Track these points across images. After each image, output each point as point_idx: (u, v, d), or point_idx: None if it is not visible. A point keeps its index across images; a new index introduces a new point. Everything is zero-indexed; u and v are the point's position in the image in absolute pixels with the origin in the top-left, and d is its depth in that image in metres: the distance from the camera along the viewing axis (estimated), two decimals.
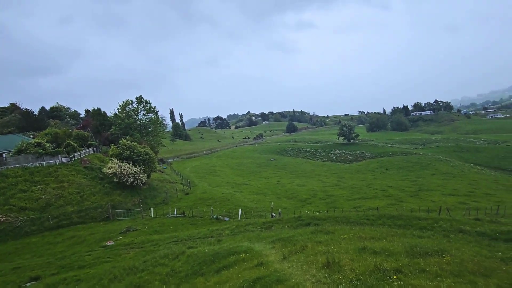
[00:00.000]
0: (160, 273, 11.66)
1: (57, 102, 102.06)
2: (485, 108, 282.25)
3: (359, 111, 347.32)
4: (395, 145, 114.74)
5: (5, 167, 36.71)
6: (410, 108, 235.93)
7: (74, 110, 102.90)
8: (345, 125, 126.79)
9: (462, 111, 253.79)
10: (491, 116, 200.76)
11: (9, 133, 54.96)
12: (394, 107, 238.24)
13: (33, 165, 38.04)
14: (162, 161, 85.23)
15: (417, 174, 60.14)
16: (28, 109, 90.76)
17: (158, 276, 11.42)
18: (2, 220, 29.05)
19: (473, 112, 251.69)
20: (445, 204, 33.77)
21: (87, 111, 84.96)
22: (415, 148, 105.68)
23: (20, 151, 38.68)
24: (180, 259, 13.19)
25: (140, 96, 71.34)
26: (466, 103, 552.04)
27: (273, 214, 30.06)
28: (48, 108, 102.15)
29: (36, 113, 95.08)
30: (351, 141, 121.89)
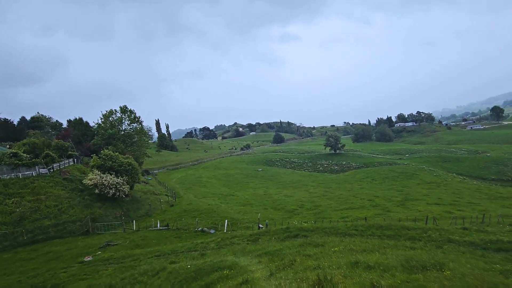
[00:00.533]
0: None
1: (38, 112, 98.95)
2: (464, 120, 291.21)
3: (345, 122, 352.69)
4: (380, 155, 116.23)
5: None
6: (394, 119, 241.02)
7: (56, 120, 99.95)
8: (332, 136, 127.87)
9: (443, 122, 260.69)
10: (471, 128, 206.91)
11: None
12: (378, 118, 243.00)
13: (8, 176, 36.17)
14: (147, 172, 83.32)
15: (403, 183, 60.66)
16: (7, 119, 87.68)
17: None
18: None
19: (453, 123, 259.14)
20: (431, 213, 33.86)
21: (69, 121, 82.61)
22: (400, 159, 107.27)
23: None
24: (160, 275, 12.35)
25: (124, 105, 69.88)
26: (446, 114, 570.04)
27: (260, 226, 29.33)
28: (28, 118, 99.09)
29: (15, 123, 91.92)
30: (338, 151, 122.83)
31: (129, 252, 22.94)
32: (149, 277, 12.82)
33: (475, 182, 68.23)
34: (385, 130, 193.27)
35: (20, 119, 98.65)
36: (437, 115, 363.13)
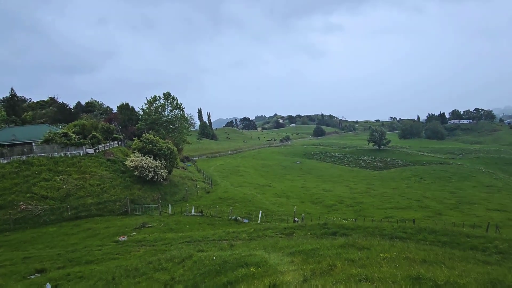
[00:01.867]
0: (159, 280, 10.02)
1: (92, 98, 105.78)
2: None
3: (391, 117, 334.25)
4: (430, 154, 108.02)
5: (32, 155, 37.20)
6: (447, 115, 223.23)
7: (107, 106, 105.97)
8: (376, 131, 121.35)
9: (505, 121, 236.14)
10: None
11: (41, 123, 56.56)
12: (429, 114, 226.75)
13: (58, 155, 38.32)
14: (187, 158, 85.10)
15: (456, 185, 55.26)
16: (64, 103, 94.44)
17: (156, 284, 9.78)
18: (22, 207, 29.05)
19: None
20: (492, 220, 29.93)
21: (118, 107, 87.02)
22: (452, 158, 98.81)
23: (47, 141, 39.14)
24: (185, 264, 11.51)
25: (168, 92, 71.50)
26: (509, 112, 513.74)
27: (296, 219, 27.92)
28: (83, 103, 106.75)
29: (72, 107, 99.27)
30: (382, 147, 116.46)
31: (161, 236, 22.81)
32: (174, 264, 12.08)
33: None
34: (436, 127, 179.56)
35: (76, 103, 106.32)
36: (498, 113, 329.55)
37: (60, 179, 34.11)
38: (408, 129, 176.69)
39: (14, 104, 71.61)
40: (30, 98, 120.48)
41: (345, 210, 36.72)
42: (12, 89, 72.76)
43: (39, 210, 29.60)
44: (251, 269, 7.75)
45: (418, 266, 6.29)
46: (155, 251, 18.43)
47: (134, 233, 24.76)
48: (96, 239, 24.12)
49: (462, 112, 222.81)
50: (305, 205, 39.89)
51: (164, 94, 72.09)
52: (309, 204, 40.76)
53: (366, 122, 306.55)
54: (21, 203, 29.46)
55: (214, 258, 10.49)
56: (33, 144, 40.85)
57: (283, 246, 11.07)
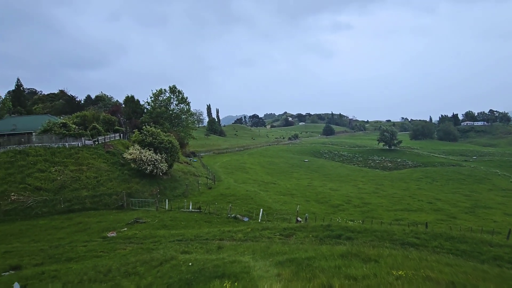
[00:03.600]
0: None
1: (101, 92, 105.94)
2: None
3: (402, 118, 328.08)
4: (442, 155, 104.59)
5: (29, 145, 36.25)
6: (460, 117, 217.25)
7: (117, 100, 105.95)
8: (387, 130, 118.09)
9: None
10: None
11: (44, 114, 55.90)
12: (442, 115, 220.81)
13: (56, 145, 37.29)
14: (193, 154, 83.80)
15: (471, 188, 52.49)
16: (72, 96, 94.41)
17: None
18: (13, 198, 27.95)
19: None
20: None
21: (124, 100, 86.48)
22: (465, 160, 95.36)
23: (45, 131, 38.15)
24: (160, 269, 9.89)
25: (174, 85, 70.26)
26: None
27: (299, 219, 26.09)
28: (93, 96, 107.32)
29: (82, 100, 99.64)
30: (392, 147, 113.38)
31: (153, 232, 21.31)
32: (149, 267, 10.48)
33: None
34: (449, 129, 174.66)
35: (85, 97, 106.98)
36: None
37: (56, 170, 32.98)
38: (419, 129, 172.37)
39: (20, 95, 71.34)
40: (41, 91, 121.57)
41: (352, 211, 34.72)
42: (18, 80, 72.45)
43: (31, 202, 28.47)
44: (225, 284, 6.02)
45: None
46: (141, 250, 16.89)
47: (125, 229, 23.34)
48: (84, 234, 22.77)
49: (476, 114, 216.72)
50: (310, 204, 38.02)
51: (170, 87, 70.87)
52: (314, 203, 38.87)
53: (376, 122, 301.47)
54: (12, 194, 28.37)
55: (191, 264, 8.81)
56: (33, 134, 39.95)
57: (275, 252, 9.34)
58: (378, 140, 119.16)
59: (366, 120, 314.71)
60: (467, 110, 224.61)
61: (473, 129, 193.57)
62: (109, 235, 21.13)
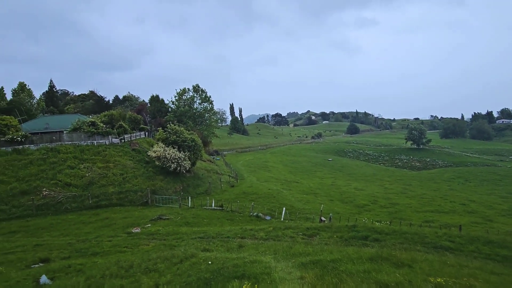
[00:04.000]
0: (142, 286, 8.30)
1: (128, 92, 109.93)
2: None
3: (432, 116, 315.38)
4: (475, 155, 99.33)
5: (60, 143, 37.69)
6: (495, 114, 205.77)
7: (143, 100, 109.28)
8: (415, 129, 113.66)
9: None
10: None
11: (75, 113, 58.16)
12: (475, 113, 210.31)
13: (85, 143, 38.54)
14: (216, 152, 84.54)
15: (508, 189, 49.24)
16: (101, 96, 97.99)
17: None
18: (44, 194, 29.11)
19: None
20: None
21: (149, 99, 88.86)
22: (501, 160, 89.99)
23: (75, 129, 39.55)
24: (180, 266, 9.72)
25: (197, 84, 71.02)
26: None
27: (322, 219, 25.43)
28: (121, 97, 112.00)
29: (111, 101, 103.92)
30: (421, 146, 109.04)
31: (175, 229, 21.40)
32: (170, 265, 10.35)
33: None
34: (483, 127, 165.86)
35: (114, 97, 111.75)
36: None
37: (84, 167, 34.09)
38: (450, 128, 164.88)
39: (52, 95, 74.74)
40: (72, 92, 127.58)
41: (379, 211, 33.49)
42: (51, 81, 75.95)
43: (61, 197, 29.55)
44: (244, 286, 5.69)
45: None
46: (163, 246, 16.96)
47: (149, 225, 23.64)
48: (110, 229, 23.29)
49: None
50: (334, 204, 37.09)
51: (193, 86, 71.76)
52: (338, 203, 37.88)
53: (404, 120, 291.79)
54: (44, 189, 29.57)
55: (210, 262, 8.56)
56: (64, 132, 41.58)
57: (297, 253, 8.90)
58: (405, 139, 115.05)
59: (392, 118, 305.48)
60: (503, 107, 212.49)
61: (509, 127, 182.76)
62: (133, 231, 21.44)
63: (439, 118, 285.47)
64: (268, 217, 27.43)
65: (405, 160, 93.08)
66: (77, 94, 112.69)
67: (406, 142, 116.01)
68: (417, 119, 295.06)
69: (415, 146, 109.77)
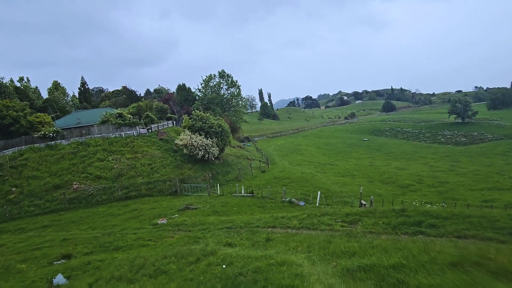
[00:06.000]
0: None
1: (159, 85, 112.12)
2: None
3: (476, 87, 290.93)
4: None
5: (90, 136, 37.89)
6: None
7: (173, 91, 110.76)
8: (459, 101, 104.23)
9: None
10: None
11: (105, 107, 59.01)
12: None
13: (113, 135, 38.48)
14: (247, 139, 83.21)
15: None
16: (133, 90, 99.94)
17: None
18: (75, 187, 29.12)
19: None
20: None
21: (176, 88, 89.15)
22: None
23: (103, 122, 39.64)
24: (193, 268, 8.00)
25: (223, 70, 69.40)
26: None
27: (363, 202, 22.86)
28: (152, 90, 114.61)
29: (143, 94, 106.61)
30: (466, 120, 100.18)
31: (202, 219, 20.01)
32: (183, 265, 8.71)
33: None
34: None
35: (146, 91, 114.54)
36: None
37: (113, 159, 33.89)
38: (499, 98, 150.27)
39: (85, 91, 76.71)
40: (107, 88, 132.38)
41: (426, 192, 30.14)
42: (82, 78, 77.94)
43: (91, 190, 29.46)
44: None
45: None
46: (187, 238, 15.53)
47: (176, 215, 22.53)
48: (137, 221, 22.48)
49: None
50: (374, 185, 34.12)
51: (219, 72, 70.25)
52: (378, 184, 34.85)
53: (444, 94, 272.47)
54: (75, 182, 29.60)
55: (224, 266, 6.69)
56: (94, 126, 41.89)
57: (339, 251, 6.77)
58: (448, 113, 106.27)
59: (432, 93, 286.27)
60: None
61: None
62: (159, 222, 20.40)
63: (484, 89, 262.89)
64: (302, 203, 25.37)
65: (449, 136, 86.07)
66: (111, 91, 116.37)
67: (449, 116, 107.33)
68: (459, 91, 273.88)
69: (460, 120, 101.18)
